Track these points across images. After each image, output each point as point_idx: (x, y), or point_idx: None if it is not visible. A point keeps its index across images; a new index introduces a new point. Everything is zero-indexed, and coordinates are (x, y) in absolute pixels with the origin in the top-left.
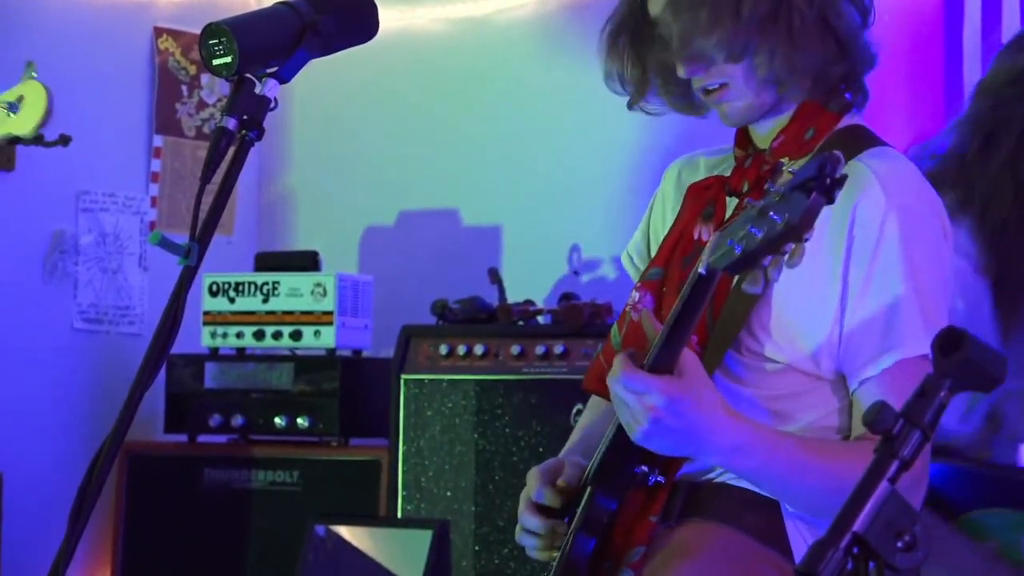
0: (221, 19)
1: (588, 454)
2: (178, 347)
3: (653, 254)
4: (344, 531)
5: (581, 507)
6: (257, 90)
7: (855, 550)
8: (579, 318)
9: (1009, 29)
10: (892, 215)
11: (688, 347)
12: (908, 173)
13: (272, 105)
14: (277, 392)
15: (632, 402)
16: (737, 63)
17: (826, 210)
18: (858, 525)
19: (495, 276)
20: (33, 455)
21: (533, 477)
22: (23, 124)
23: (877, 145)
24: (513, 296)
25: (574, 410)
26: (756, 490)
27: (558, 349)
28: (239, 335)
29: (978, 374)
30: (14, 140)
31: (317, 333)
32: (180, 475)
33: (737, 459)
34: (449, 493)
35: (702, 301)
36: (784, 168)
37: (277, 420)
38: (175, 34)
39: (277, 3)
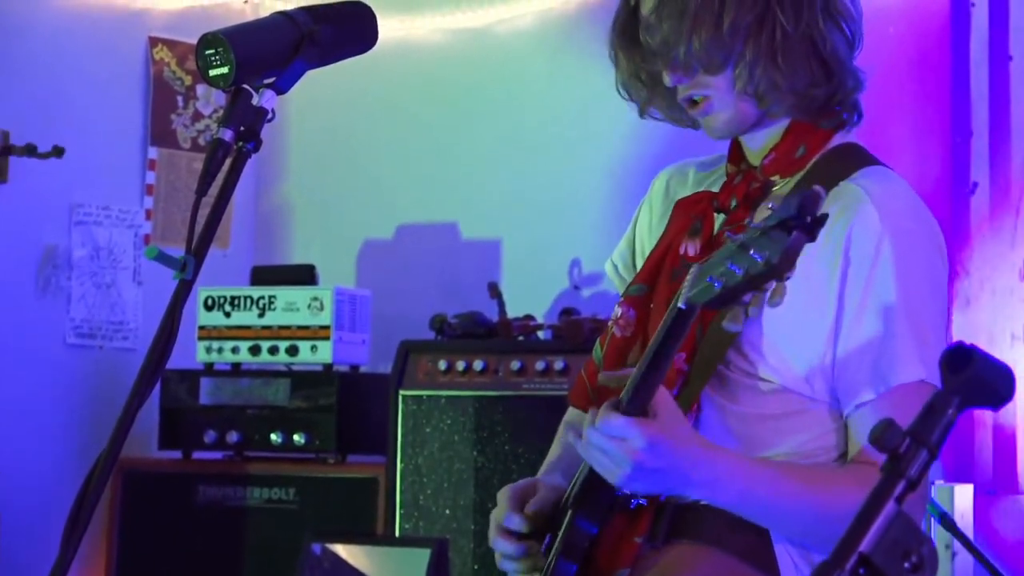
0: (218, 29)
1: (569, 472)
2: (172, 362)
3: (638, 264)
4: (341, 549)
5: (562, 531)
6: (254, 101)
7: (861, 571)
8: (580, 333)
9: (1016, 39)
10: (887, 238)
11: (674, 367)
12: (903, 194)
13: (269, 116)
14: (273, 408)
15: (612, 449)
16: (716, 74)
17: (822, 233)
18: (864, 546)
19: (495, 291)
20: (26, 472)
21: (503, 500)
22: None
23: (871, 164)
24: (513, 311)
25: None
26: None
27: (559, 365)
28: (235, 350)
29: (987, 391)
30: None
31: (314, 348)
32: (174, 492)
33: (718, 491)
34: (448, 511)
35: (681, 335)
36: (774, 189)
37: (273, 436)
38: (170, 44)
39: (275, 13)
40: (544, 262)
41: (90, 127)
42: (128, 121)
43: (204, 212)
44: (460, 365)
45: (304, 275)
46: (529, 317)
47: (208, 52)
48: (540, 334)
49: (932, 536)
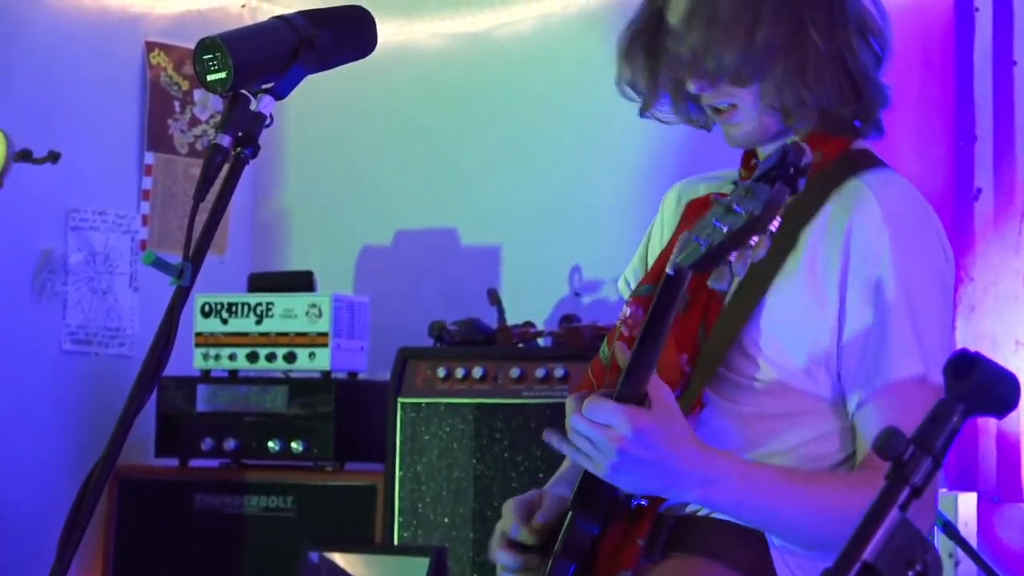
0: (215, 34)
1: (574, 484)
2: (169, 369)
3: None
4: (339, 558)
5: (563, 531)
6: (252, 106)
7: None
8: (580, 340)
9: (1020, 44)
10: (888, 231)
11: (676, 367)
12: (906, 191)
13: (268, 122)
14: (271, 415)
15: (596, 435)
16: (743, 87)
17: (821, 225)
18: (868, 554)
19: (494, 297)
20: (22, 478)
21: (509, 511)
22: None
23: (879, 167)
24: (513, 318)
25: None
26: (742, 523)
27: (559, 372)
28: (232, 357)
29: (992, 398)
30: None
31: (312, 355)
32: (171, 500)
33: (713, 493)
34: (447, 519)
35: (672, 303)
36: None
37: (271, 444)
38: (167, 49)
39: (273, 17)
40: (544, 268)
41: (87, 132)
42: (125, 126)
43: (202, 218)
44: (459, 372)
45: (302, 282)
46: (529, 324)
47: (206, 57)
48: (540, 341)
49: (935, 544)
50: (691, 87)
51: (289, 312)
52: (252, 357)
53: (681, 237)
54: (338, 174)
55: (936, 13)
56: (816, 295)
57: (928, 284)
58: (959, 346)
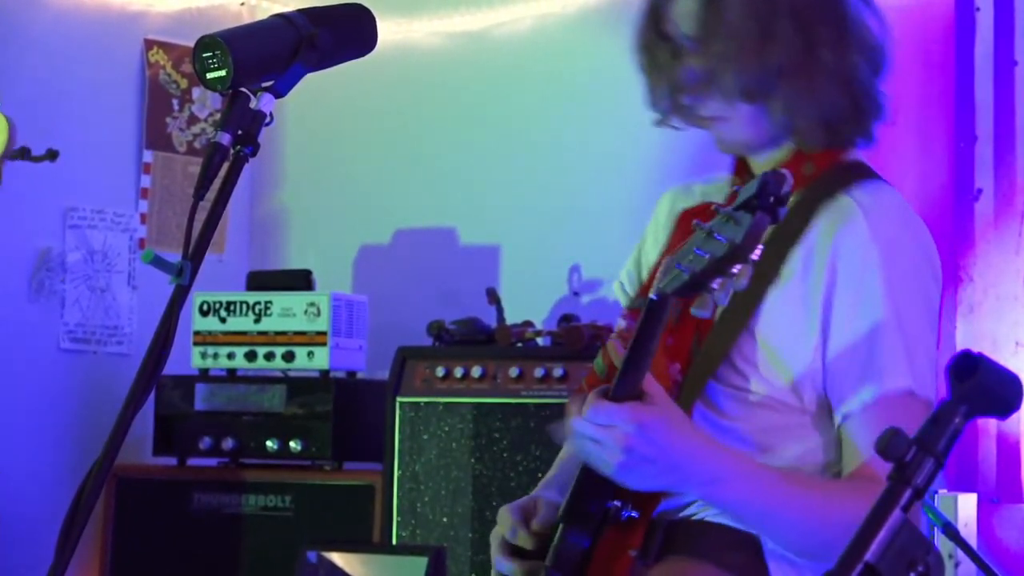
0: (215, 31)
1: (565, 489)
2: (167, 368)
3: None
4: (337, 558)
5: (553, 545)
6: (252, 104)
7: None
8: (579, 340)
9: (1021, 44)
10: (875, 247)
11: (668, 376)
12: (895, 206)
13: (268, 120)
14: (269, 414)
15: (602, 436)
16: (750, 103)
17: (811, 240)
18: (870, 555)
19: (493, 296)
20: (20, 478)
21: (505, 516)
22: None
23: (870, 180)
24: (512, 317)
25: None
26: (737, 527)
27: (558, 372)
28: (230, 356)
29: (995, 399)
30: None
31: (310, 354)
32: (169, 499)
33: (718, 490)
34: (445, 519)
35: (656, 326)
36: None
37: (269, 443)
38: (166, 47)
39: (273, 15)
40: (543, 268)
41: (85, 130)
42: (123, 124)
43: (201, 216)
44: (458, 372)
45: (300, 280)
46: (528, 323)
47: (206, 55)
48: (539, 340)
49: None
50: (684, 99)
51: (287, 311)
52: (250, 356)
53: (664, 262)
54: (337, 173)
55: (937, 13)
56: (803, 311)
57: (915, 302)
58: (959, 347)
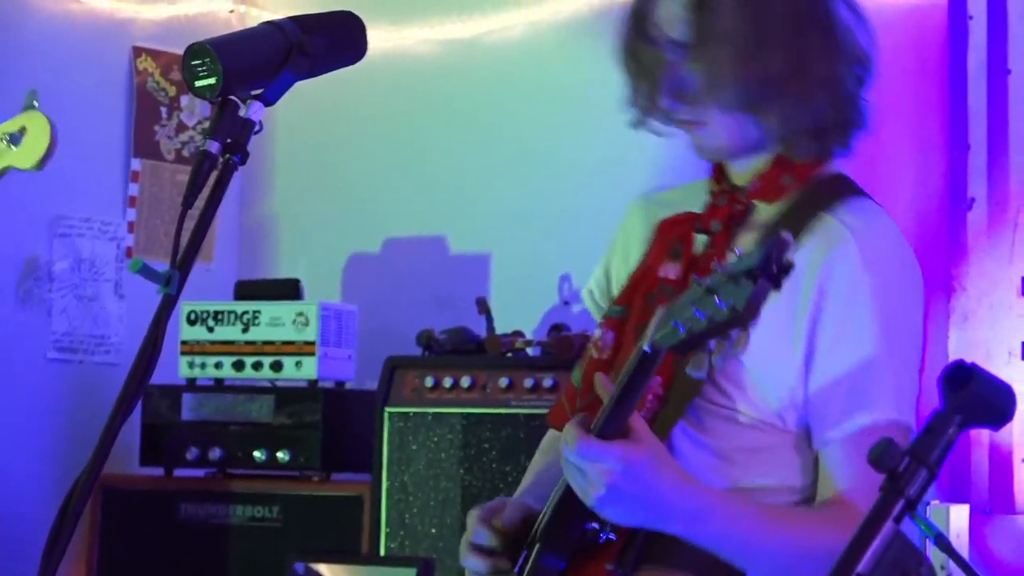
0: (205, 39)
1: (541, 499)
2: (154, 377)
3: (614, 291)
4: (325, 569)
5: (529, 566)
6: (241, 112)
7: None
8: (569, 350)
9: (1015, 53)
10: (865, 273)
11: (649, 388)
12: (884, 230)
13: (257, 128)
14: (257, 425)
15: (587, 468)
16: (744, 114)
17: (798, 265)
18: (863, 566)
19: (483, 306)
20: (4, 488)
21: (472, 519)
22: (25, 157)
23: (855, 197)
24: (502, 327)
25: None
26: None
27: (547, 382)
28: (218, 365)
29: (988, 410)
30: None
31: (299, 364)
32: (156, 510)
33: (698, 526)
34: (434, 530)
35: (647, 377)
36: (756, 215)
37: (256, 453)
38: (154, 54)
39: (263, 23)
40: (534, 277)
41: (72, 138)
42: (111, 131)
43: (189, 225)
44: (447, 382)
45: (289, 290)
46: (518, 333)
47: (195, 63)
48: (529, 350)
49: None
50: (664, 103)
51: (276, 320)
52: (238, 366)
53: (658, 312)
54: (326, 181)
55: (930, 22)
56: (787, 331)
57: (906, 336)
58: (952, 356)
